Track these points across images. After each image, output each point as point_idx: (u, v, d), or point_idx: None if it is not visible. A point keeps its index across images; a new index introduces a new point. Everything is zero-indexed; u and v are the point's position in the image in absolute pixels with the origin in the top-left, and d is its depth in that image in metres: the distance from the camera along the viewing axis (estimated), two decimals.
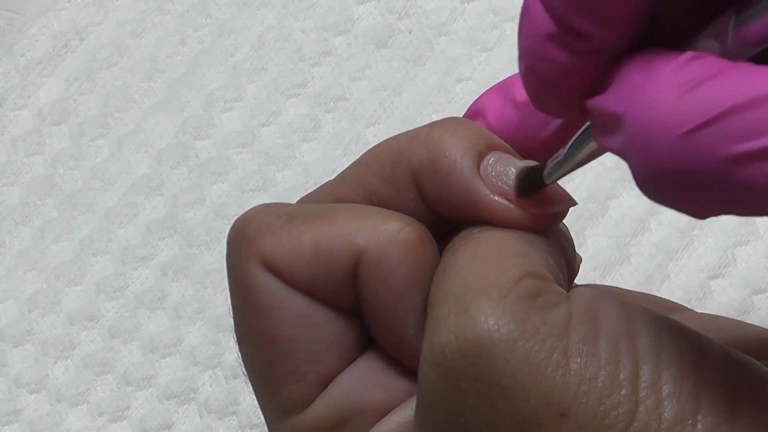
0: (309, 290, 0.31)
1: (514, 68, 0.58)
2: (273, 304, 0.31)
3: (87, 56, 0.59)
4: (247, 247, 0.31)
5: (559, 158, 0.30)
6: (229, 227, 0.33)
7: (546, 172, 0.30)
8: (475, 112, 0.32)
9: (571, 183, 0.54)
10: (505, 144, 0.31)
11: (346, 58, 0.58)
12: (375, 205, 0.32)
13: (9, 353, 0.54)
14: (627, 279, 0.52)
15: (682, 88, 0.24)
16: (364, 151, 0.52)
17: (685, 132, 0.23)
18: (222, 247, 0.54)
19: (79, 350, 0.54)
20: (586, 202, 0.54)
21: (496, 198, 0.30)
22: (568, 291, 0.31)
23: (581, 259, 0.36)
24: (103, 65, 0.58)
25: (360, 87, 0.57)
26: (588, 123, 0.28)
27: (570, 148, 0.29)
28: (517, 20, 0.56)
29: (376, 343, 0.32)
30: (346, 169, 0.32)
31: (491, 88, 0.33)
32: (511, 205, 0.30)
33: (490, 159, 0.31)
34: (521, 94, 0.31)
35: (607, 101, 0.26)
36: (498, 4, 0.57)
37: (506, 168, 0.30)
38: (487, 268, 0.28)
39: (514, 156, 0.31)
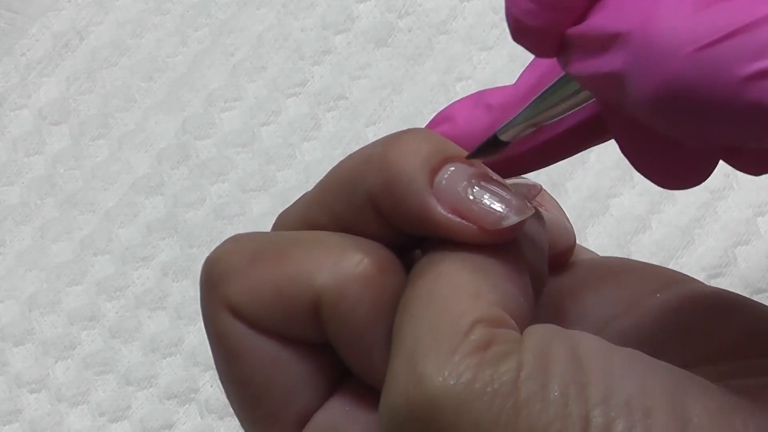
0: (277, 333, 0.31)
1: (514, 67, 0.58)
2: (242, 349, 0.31)
3: (87, 56, 0.59)
4: (214, 292, 0.31)
5: (519, 113, 0.29)
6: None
7: (500, 128, 0.30)
8: (444, 118, 0.32)
9: (572, 182, 0.54)
10: (463, 154, 0.31)
11: (346, 56, 0.57)
12: (342, 227, 0.31)
13: (9, 353, 0.54)
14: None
15: (698, 4, 0.24)
16: None
17: (700, 47, 0.23)
18: None
19: (80, 350, 0.54)
20: (587, 200, 0.54)
21: (450, 216, 0.30)
22: (536, 301, 0.31)
23: (574, 241, 0.36)
24: (103, 65, 0.58)
25: (360, 86, 0.57)
26: (556, 79, 0.28)
27: (533, 102, 0.29)
28: None
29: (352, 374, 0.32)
30: (315, 189, 0.32)
31: (462, 98, 0.32)
32: (465, 222, 0.30)
33: (444, 173, 0.30)
34: (494, 100, 0.31)
35: (604, 20, 0.25)
36: (498, 3, 0.57)
37: (461, 180, 0.30)
38: (440, 313, 0.28)
39: (470, 165, 0.31)
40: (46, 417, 0.53)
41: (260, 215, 0.55)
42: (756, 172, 0.27)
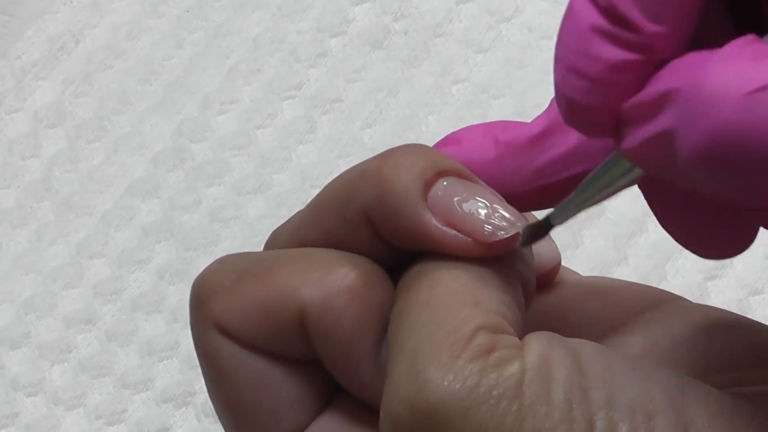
0: (264, 349, 0.31)
1: (509, 70, 0.58)
2: (230, 368, 0.31)
3: (83, 59, 0.59)
4: (202, 311, 0.32)
5: (569, 198, 0.29)
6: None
7: (554, 212, 0.30)
8: (450, 140, 0.32)
9: None
10: (459, 168, 0.31)
11: (341, 59, 0.58)
12: (333, 243, 0.31)
13: (6, 356, 0.54)
14: (624, 280, 0.52)
15: (747, 58, 0.24)
16: (360, 152, 0.52)
17: (750, 91, 0.23)
18: (219, 250, 0.54)
19: (76, 353, 0.54)
20: None
21: (445, 228, 0.30)
22: (526, 310, 0.31)
23: (559, 258, 0.36)
24: (99, 68, 0.58)
25: (356, 88, 0.57)
26: (608, 157, 0.28)
27: (586, 180, 0.29)
28: (511, 21, 0.56)
29: (343, 390, 0.32)
30: (307, 206, 0.32)
31: (475, 124, 0.32)
32: (460, 235, 0.30)
33: (439, 187, 0.30)
34: (503, 135, 0.31)
35: (657, 85, 0.25)
36: (493, 6, 0.57)
37: (456, 194, 0.30)
38: (440, 321, 0.28)
39: (467, 179, 0.31)
40: (43, 420, 0.53)
41: (256, 218, 0.55)
42: None
